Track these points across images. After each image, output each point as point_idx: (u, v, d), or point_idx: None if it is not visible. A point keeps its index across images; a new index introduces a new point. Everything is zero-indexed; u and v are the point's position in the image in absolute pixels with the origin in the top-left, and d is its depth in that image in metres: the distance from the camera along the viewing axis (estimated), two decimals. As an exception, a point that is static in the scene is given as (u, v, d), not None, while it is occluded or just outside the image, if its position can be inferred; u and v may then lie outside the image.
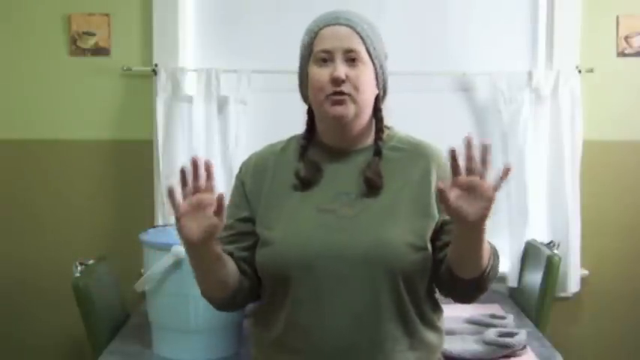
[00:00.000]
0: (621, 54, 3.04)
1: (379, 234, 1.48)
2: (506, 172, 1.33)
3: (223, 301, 1.56)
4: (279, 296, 1.52)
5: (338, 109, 1.51)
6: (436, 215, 1.53)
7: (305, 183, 1.55)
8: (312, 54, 1.54)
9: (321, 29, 1.54)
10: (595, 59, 3.00)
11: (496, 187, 1.34)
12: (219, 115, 2.95)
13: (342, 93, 1.50)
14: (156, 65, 2.92)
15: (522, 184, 2.93)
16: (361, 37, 1.53)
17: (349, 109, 1.51)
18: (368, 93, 1.55)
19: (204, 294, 1.56)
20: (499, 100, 2.96)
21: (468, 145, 1.33)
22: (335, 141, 1.58)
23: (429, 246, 1.52)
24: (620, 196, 3.06)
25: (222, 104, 2.95)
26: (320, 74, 1.51)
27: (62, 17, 2.98)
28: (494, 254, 1.51)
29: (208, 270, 1.49)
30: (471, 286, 1.50)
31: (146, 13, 2.97)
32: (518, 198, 2.94)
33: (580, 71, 2.96)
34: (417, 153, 1.59)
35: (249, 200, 1.59)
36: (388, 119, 1.64)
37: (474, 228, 1.38)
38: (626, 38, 3.03)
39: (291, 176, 1.56)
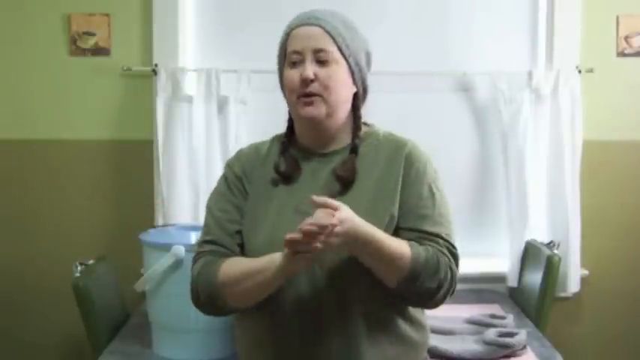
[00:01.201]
0: (621, 54, 3.04)
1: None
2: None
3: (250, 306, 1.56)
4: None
5: (308, 110, 1.52)
6: (396, 211, 1.53)
7: (284, 177, 1.56)
8: (286, 56, 1.56)
9: (292, 30, 1.55)
10: (595, 59, 2.99)
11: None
12: (219, 115, 2.95)
13: (311, 94, 1.51)
14: (156, 65, 2.92)
15: (522, 184, 2.93)
16: (332, 36, 1.53)
17: (319, 110, 1.52)
18: (341, 92, 1.55)
19: (245, 306, 1.54)
20: (499, 100, 2.96)
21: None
22: (311, 142, 1.60)
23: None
24: (620, 196, 3.06)
25: (222, 104, 2.95)
26: (292, 75, 1.53)
27: (62, 17, 2.98)
28: (419, 272, 1.47)
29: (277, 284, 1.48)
30: (399, 294, 1.50)
31: (146, 14, 2.97)
32: (518, 198, 2.94)
33: (580, 71, 2.96)
34: (392, 148, 1.59)
35: (247, 191, 1.60)
36: (370, 117, 1.65)
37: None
38: (626, 38, 3.03)
39: (272, 177, 1.58)
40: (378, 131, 1.64)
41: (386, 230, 1.49)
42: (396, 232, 1.53)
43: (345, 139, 1.60)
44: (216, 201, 1.63)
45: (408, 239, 1.50)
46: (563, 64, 2.97)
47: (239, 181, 1.62)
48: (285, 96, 1.62)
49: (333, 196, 1.50)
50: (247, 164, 1.63)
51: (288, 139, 1.63)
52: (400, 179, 1.55)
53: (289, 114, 1.64)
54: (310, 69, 1.50)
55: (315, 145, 1.60)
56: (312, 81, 1.50)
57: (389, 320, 1.53)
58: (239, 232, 1.58)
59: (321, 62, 1.52)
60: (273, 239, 1.50)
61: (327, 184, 1.55)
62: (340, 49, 1.53)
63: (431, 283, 1.48)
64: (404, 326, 1.55)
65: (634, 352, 3.09)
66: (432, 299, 1.51)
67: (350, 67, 1.55)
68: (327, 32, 1.53)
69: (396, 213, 1.53)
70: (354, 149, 1.57)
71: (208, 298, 1.54)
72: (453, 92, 3.07)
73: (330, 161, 1.58)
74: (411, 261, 1.46)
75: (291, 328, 1.50)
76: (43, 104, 3.01)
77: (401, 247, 1.46)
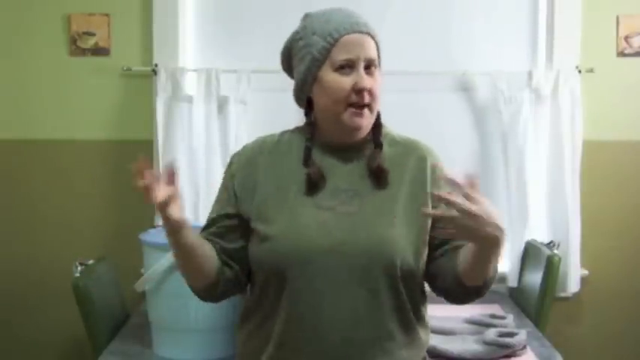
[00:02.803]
0: (621, 54, 3.04)
1: (377, 232, 1.49)
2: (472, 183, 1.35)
3: (204, 289, 1.57)
4: (275, 293, 1.52)
5: (358, 121, 1.51)
6: (429, 224, 1.53)
7: (313, 188, 1.54)
8: (330, 60, 1.51)
9: (342, 36, 1.51)
10: (595, 59, 3.00)
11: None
12: (219, 115, 2.96)
13: (364, 104, 1.50)
14: (156, 65, 2.92)
15: (522, 184, 2.94)
16: (377, 45, 1.54)
17: (367, 120, 1.53)
18: (380, 100, 1.55)
19: (188, 284, 1.58)
20: (499, 100, 2.96)
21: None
22: (335, 141, 1.58)
23: (426, 243, 1.53)
24: (619, 196, 3.06)
25: (222, 104, 2.95)
26: (342, 82, 1.50)
27: (62, 17, 2.98)
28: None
29: (186, 258, 1.50)
30: (472, 292, 1.52)
31: (146, 13, 2.97)
32: (518, 198, 2.94)
33: (580, 71, 2.96)
34: (411, 149, 1.60)
35: (237, 195, 1.58)
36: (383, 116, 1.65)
37: (490, 246, 1.39)
38: (626, 38, 3.03)
39: (289, 173, 1.56)
40: (390, 132, 1.64)
41: (417, 239, 1.51)
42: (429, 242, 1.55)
43: (364, 138, 1.59)
44: (216, 199, 1.64)
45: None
46: (563, 64, 2.98)
47: (231, 181, 1.61)
48: (299, 96, 1.60)
49: (365, 190, 1.52)
50: (254, 159, 1.61)
51: (311, 141, 1.59)
52: (428, 188, 1.54)
53: (307, 118, 1.61)
54: (367, 80, 1.50)
55: (336, 143, 1.58)
56: (368, 92, 1.50)
57: (410, 322, 1.53)
58: (223, 227, 1.58)
59: (368, 70, 1.52)
60: (290, 232, 1.50)
61: (350, 181, 1.54)
62: (379, 58, 1.55)
63: (496, 276, 1.51)
64: (417, 327, 1.56)
65: (634, 352, 3.09)
66: (480, 297, 1.54)
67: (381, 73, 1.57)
68: (375, 41, 1.54)
69: (428, 224, 1.53)
70: (378, 144, 1.57)
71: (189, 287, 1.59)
72: (453, 92, 3.07)
73: (351, 157, 1.57)
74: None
75: (311, 325, 1.49)
76: (43, 104, 3.01)
77: None
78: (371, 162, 1.54)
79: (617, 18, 3.02)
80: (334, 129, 1.56)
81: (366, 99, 1.50)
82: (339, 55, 1.51)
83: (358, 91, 1.49)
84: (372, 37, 1.53)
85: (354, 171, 1.55)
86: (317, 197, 1.53)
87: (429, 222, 1.53)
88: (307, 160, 1.57)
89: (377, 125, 1.60)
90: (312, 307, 1.48)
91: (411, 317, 1.53)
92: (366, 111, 1.51)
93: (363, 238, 1.48)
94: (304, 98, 1.59)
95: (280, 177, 1.57)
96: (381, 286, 1.48)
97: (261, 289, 1.56)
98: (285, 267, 1.49)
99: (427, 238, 1.53)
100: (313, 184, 1.54)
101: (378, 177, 1.53)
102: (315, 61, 1.53)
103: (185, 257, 1.51)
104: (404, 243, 1.49)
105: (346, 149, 1.58)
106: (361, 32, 1.52)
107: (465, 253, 1.47)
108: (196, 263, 1.52)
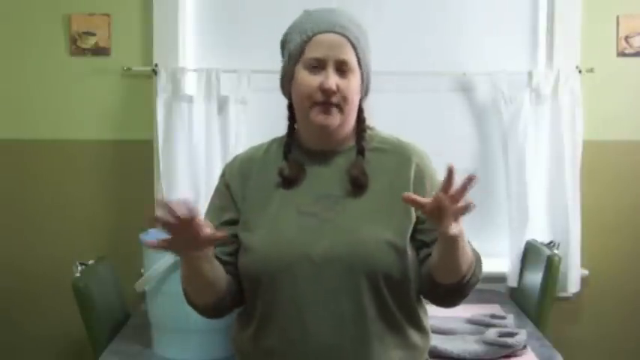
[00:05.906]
0: (621, 54, 3.04)
1: (359, 236, 1.48)
2: (470, 180, 1.31)
3: (212, 305, 1.56)
4: (262, 299, 1.52)
5: (323, 119, 1.51)
6: (414, 215, 1.53)
7: (288, 181, 1.55)
8: (303, 58, 1.53)
9: (315, 35, 1.52)
10: (595, 59, 3.00)
11: (459, 213, 1.34)
12: (219, 115, 2.95)
13: (330, 103, 1.50)
14: (156, 65, 2.92)
15: (522, 184, 2.94)
16: (353, 46, 1.52)
17: (335, 119, 1.51)
18: (355, 101, 1.55)
19: (191, 299, 1.57)
20: (499, 100, 2.96)
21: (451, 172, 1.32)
22: (316, 145, 1.58)
23: (409, 246, 1.52)
24: (620, 196, 3.06)
25: (222, 104, 2.95)
26: (310, 81, 1.51)
27: (62, 17, 2.98)
28: (477, 261, 1.51)
29: (200, 273, 1.49)
30: (449, 292, 1.50)
31: (146, 13, 2.97)
32: (518, 198, 2.94)
33: (580, 71, 2.96)
34: (397, 153, 1.59)
35: (235, 202, 1.59)
36: (369, 117, 1.63)
37: (451, 240, 1.38)
38: (626, 38, 3.03)
39: (272, 179, 1.56)
40: (380, 134, 1.63)
41: (400, 243, 1.49)
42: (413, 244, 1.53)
43: (347, 142, 1.59)
44: (207, 208, 1.64)
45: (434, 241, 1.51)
46: (563, 64, 2.97)
47: (227, 190, 1.61)
48: (286, 94, 1.61)
49: (342, 199, 1.51)
50: (245, 169, 1.61)
51: (290, 139, 1.61)
52: (411, 191, 1.53)
53: (289, 112, 1.62)
54: (333, 80, 1.49)
55: (318, 147, 1.59)
56: (333, 92, 1.49)
57: (399, 324, 1.53)
58: (231, 240, 1.57)
59: (341, 72, 1.51)
60: (272, 240, 1.50)
61: (332, 187, 1.54)
62: (358, 59, 1.53)
63: (478, 278, 1.51)
64: (409, 330, 1.55)
65: (634, 352, 3.09)
66: (467, 295, 1.53)
67: (362, 75, 1.55)
68: (351, 42, 1.52)
69: (410, 226, 1.52)
70: (360, 151, 1.56)
71: (190, 305, 1.59)
72: (453, 92, 3.07)
73: (334, 162, 1.57)
74: (477, 258, 1.49)
75: (298, 332, 1.49)
76: (43, 104, 3.01)
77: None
78: (351, 170, 1.54)
79: (617, 18, 3.02)
80: (308, 131, 1.57)
81: (333, 99, 1.49)
82: (310, 54, 1.52)
83: (323, 90, 1.49)
84: (350, 40, 1.52)
85: (336, 177, 1.54)
86: (299, 203, 1.52)
87: (411, 224, 1.52)
88: (286, 155, 1.58)
89: (360, 131, 1.59)
90: (296, 314, 1.48)
91: (399, 319, 1.52)
92: (334, 110, 1.50)
93: (343, 244, 1.47)
94: (286, 95, 1.61)
95: (265, 185, 1.57)
96: (363, 290, 1.47)
97: (250, 298, 1.56)
98: (267, 275, 1.49)
99: (408, 239, 1.52)
100: (285, 179, 1.54)
101: (356, 186, 1.53)
102: (292, 58, 1.55)
103: (202, 272, 1.49)
104: (385, 247, 1.48)
105: (329, 155, 1.57)
106: (335, 33, 1.51)
107: (435, 251, 1.46)
108: (211, 277, 1.51)
